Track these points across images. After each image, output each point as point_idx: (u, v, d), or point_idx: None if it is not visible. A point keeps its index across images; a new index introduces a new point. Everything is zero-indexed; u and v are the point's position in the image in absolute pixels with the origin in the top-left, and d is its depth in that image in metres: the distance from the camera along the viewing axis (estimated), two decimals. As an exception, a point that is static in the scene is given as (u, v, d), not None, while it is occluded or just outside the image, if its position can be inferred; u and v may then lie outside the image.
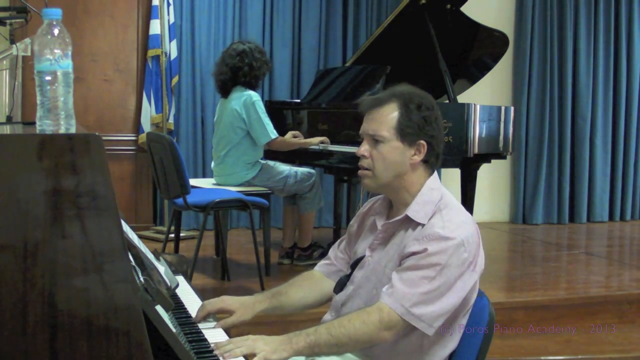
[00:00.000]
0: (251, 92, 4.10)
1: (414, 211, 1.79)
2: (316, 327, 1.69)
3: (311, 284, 2.00)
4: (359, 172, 1.86)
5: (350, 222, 2.05)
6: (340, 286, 1.93)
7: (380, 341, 1.71)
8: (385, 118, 1.80)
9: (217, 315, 1.83)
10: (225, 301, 1.83)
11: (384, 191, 1.88)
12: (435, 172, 1.88)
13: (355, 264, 1.91)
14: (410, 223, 1.80)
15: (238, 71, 4.11)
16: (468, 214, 1.82)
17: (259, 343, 1.59)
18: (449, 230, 1.72)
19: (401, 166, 1.81)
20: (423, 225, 1.77)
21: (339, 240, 2.08)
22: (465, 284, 1.73)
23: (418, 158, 1.81)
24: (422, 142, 1.80)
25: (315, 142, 4.20)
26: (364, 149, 1.83)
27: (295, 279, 2.01)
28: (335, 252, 2.05)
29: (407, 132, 1.79)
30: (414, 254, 1.72)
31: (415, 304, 1.68)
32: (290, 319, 2.83)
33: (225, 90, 4.18)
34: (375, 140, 1.81)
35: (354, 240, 2.00)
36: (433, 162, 1.85)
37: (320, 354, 1.70)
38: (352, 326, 1.67)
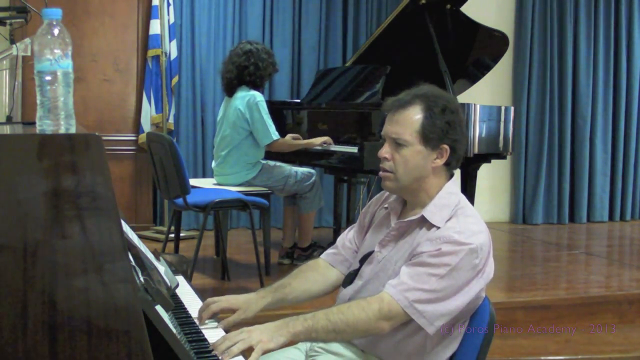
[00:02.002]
0: (255, 93, 4.10)
1: (431, 213, 1.78)
2: (314, 312, 1.68)
3: (315, 274, 1.99)
4: (381, 173, 1.84)
5: (362, 211, 2.04)
6: (348, 280, 1.92)
7: (377, 331, 1.69)
8: (408, 121, 1.78)
9: (219, 315, 1.82)
10: (229, 300, 1.82)
11: (403, 193, 1.87)
12: (455, 177, 1.87)
13: (364, 259, 1.90)
14: (425, 223, 1.79)
15: (244, 70, 4.11)
16: (484, 223, 1.80)
17: (254, 334, 1.57)
18: (465, 237, 1.71)
19: (423, 170, 1.80)
20: (438, 227, 1.76)
21: (348, 228, 2.06)
22: (472, 289, 1.73)
23: (440, 162, 1.80)
24: (445, 146, 1.79)
25: (318, 143, 4.18)
26: (385, 151, 1.81)
27: (299, 270, 2.00)
28: (343, 241, 2.03)
29: (430, 137, 1.77)
30: (425, 253, 1.72)
31: (419, 300, 1.68)
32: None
33: (231, 89, 4.19)
34: (398, 144, 1.79)
35: (364, 231, 1.99)
36: (454, 165, 1.84)
37: (318, 339, 1.69)
38: (351, 313, 1.67)
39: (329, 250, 2.05)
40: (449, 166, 1.83)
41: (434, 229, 1.76)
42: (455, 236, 1.71)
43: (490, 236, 1.79)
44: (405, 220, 1.83)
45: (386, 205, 1.94)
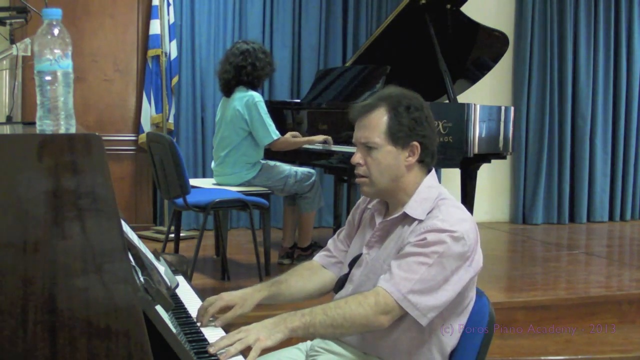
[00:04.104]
0: (253, 93, 4.09)
1: (412, 208, 1.80)
2: (312, 308, 1.68)
3: (311, 273, 2.01)
4: (357, 180, 1.87)
5: (351, 212, 2.06)
6: (339, 285, 1.93)
7: (376, 325, 1.69)
8: (375, 124, 1.81)
9: (217, 313, 1.82)
10: (225, 298, 1.82)
11: (383, 196, 1.88)
12: (433, 171, 1.89)
13: (353, 262, 1.91)
14: (408, 220, 1.81)
15: (241, 70, 4.10)
16: (467, 212, 1.82)
17: (252, 333, 1.57)
18: (448, 224, 1.72)
19: (397, 169, 1.81)
20: (421, 220, 1.77)
21: (338, 231, 2.08)
22: (461, 278, 1.73)
23: (413, 159, 1.82)
24: (415, 143, 1.81)
25: (318, 140, 4.18)
26: (358, 156, 1.84)
27: (296, 268, 2.02)
28: (335, 243, 2.05)
29: (398, 136, 1.80)
30: (411, 243, 1.73)
31: (411, 291, 1.68)
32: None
33: (228, 89, 4.17)
34: (368, 147, 1.81)
35: (354, 232, 2.00)
36: (428, 162, 1.86)
37: (316, 334, 1.69)
38: (349, 307, 1.67)
39: (322, 253, 2.07)
40: (423, 163, 1.85)
41: (417, 222, 1.78)
42: (439, 224, 1.73)
43: (475, 224, 1.80)
44: (388, 219, 1.85)
45: (370, 207, 1.96)
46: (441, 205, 1.78)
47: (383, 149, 1.80)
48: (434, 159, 1.87)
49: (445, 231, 1.71)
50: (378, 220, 1.89)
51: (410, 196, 1.82)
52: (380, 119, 1.80)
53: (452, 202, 1.81)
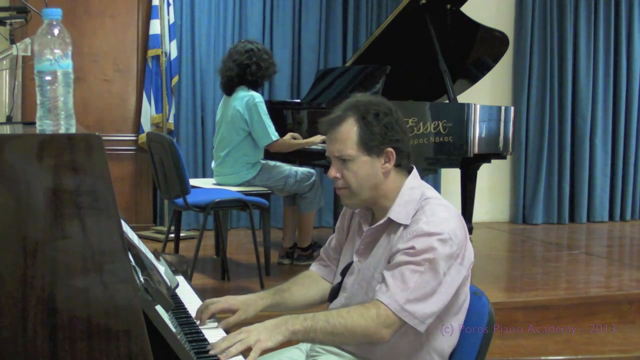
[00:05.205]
0: (254, 93, 4.09)
1: (396, 212, 1.79)
2: (314, 313, 1.68)
3: (312, 281, 2.01)
4: (338, 193, 1.87)
5: (339, 218, 2.05)
6: (333, 295, 1.93)
7: (377, 338, 1.69)
8: (346, 136, 1.79)
9: (218, 315, 1.82)
10: (228, 301, 1.82)
11: (365, 205, 1.88)
12: (415, 171, 1.88)
13: (344, 271, 1.92)
14: (394, 225, 1.80)
15: (246, 69, 4.08)
16: (452, 208, 1.81)
17: (253, 334, 1.58)
18: (433, 225, 1.72)
19: (375, 178, 1.81)
20: (407, 225, 1.77)
21: (328, 240, 2.08)
22: (454, 278, 1.73)
23: (389, 165, 1.81)
24: (389, 149, 1.80)
25: (317, 141, 4.16)
26: (334, 170, 1.83)
27: (298, 277, 2.02)
28: (328, 252, 2.05)
29: (371, 145, 1.78)
30: (401, 251, 1.73)
31: (408, 301, 1.68)
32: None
33: (230, 87, 4.16)
34: (343, 160, 1.80)
35: (344, 238, 2.01)
36: (405, 164, 1.85)
37: (315, 340, 1.69)
38: (350, 317, 1.67)
39: (317, 263, 2.07)
40: (400, 166, 1.84)
41: (403, 227, 1.77)
42: (425, 227, 1.72)
43: (462, 220, 1.79)
44: (374, 226, 1.85)
45: (357, 211, 1.96)
46: (425, 206, 1.77)
47: (358, 160, 1.79)
48: (410, 160, 1.86)
49: (432, 235, 1.70)
50: (365, 227, 1.89)
51: (392, 201, 1.82)
52: (350, 130, 1.79)
53: (436, 200, 1.80)
